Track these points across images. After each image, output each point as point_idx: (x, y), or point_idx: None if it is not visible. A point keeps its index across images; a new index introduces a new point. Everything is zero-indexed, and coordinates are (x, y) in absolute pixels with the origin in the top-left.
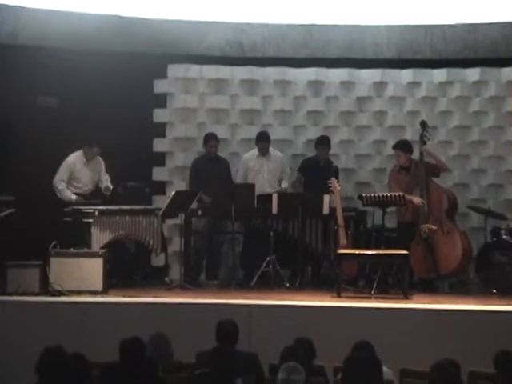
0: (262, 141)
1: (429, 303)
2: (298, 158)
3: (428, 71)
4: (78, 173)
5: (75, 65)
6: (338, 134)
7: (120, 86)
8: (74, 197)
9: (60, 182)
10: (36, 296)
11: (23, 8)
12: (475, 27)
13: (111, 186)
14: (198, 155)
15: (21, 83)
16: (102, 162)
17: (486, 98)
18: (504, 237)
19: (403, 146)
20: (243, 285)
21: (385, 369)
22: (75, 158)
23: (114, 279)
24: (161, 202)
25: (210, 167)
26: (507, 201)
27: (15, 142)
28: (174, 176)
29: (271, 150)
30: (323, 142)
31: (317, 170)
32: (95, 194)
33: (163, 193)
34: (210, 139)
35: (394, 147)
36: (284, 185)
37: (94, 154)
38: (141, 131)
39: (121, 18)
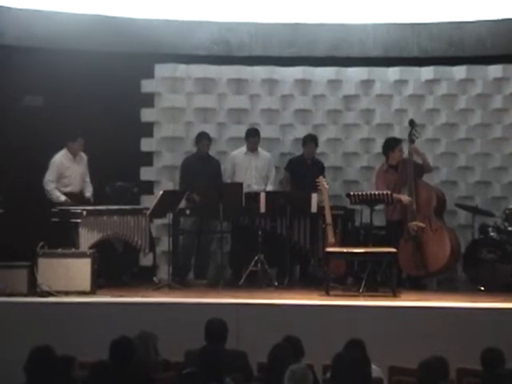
0: (253, 136)
1: (417, 301)
2: (285, 157)
3: (415, 69)
4: (66, 170)
5: (62, 65)
6: (326, 132)
7: (107, 86)
8: (63, 198)
9: (49, 182)
10: (24, 297)
11: (9, 8)
12: (461, 25)
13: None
14: (187, 154)
15: (7, 83)
16: (85, 156)
17: (473, 95)
18: (491, 234)
19: (386, 148)
20: (231, 284)
21: (373, 366)
22: (61, 157)
23: (102, 279)
24: (149, 202)
25: (201, 166)
26: (495, 198)
27: (2, 142)
28: (161, 176)
29: (259, 148)
30: (310, 139)
31: (304, 168)
32: (81, 200)
33: (151, 192)
34: (203, 139)
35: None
36: (269, 188)
37: (79, 146)
38: (128, 131)
39: (107, 17)
